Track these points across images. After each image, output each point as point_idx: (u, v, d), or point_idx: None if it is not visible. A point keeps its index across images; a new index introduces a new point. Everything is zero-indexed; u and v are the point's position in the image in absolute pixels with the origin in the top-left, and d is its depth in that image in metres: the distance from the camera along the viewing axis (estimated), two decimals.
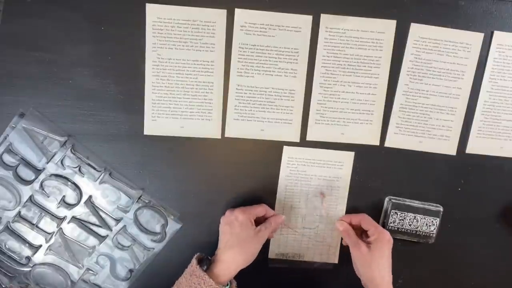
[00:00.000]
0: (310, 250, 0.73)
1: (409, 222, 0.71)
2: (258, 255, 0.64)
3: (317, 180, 0.71)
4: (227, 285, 0.62)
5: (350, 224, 0.69)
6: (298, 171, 0.71)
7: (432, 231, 0.71)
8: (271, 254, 0.73)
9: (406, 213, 0.71)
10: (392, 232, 0.69)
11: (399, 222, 0.71)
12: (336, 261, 0.73)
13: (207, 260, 0.62)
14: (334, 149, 0.71)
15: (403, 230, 0.71)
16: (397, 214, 0.70)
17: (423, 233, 0.71)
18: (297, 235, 0.72)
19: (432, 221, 0.71)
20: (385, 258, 0.64)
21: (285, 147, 0.71)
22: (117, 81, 0.68)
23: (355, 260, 0.66)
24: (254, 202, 0.69)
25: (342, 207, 0.72)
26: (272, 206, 0.71)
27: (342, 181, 0.71)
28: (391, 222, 0.71)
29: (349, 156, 0.71)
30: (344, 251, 0.71)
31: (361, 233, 0.68)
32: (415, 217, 0.71)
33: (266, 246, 0.72)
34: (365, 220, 0.67)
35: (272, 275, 0.73)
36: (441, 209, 0.71)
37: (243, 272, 0.63)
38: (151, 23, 0.67)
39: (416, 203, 0.71)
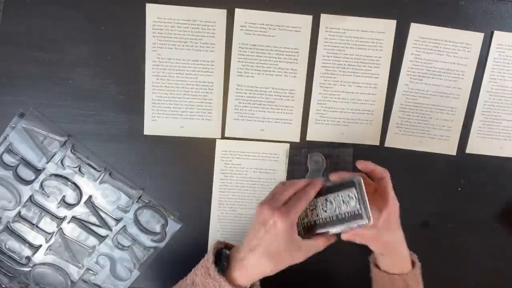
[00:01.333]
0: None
1: (322, 208, 0.52)
2: None
3: (252, 173, 0.71)
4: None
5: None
6: (232, 164, 0.70)
7: (356, 208, 0.50)
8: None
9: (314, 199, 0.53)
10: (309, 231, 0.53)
11: (311, 214, 0.53)
12: None
13: (226, 257, 0.52)
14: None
15: (320, 222, 0.52)
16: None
17: (346, 215, 0.51)
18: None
19: (349, 195, 0.51)
20: (398, 225, 0.54)
21: (217, 141, 0.70)
22: (117, 81, 0.68)
23: (390, 216, 0.52)
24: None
25: None
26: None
27: (278, 173, 0.70)
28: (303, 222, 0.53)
29: (284, 147, 0.70)
30: None
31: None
32: (326, 199, 0.52)
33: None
34: (386, 182, 0.53)
35: None
36: (355, 179, 0.51)
37: None
38: (151, 23, 0.67)
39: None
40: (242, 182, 0.71)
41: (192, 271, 0.54)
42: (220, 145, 0.70)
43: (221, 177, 0.70)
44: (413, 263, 0.59)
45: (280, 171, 0.71)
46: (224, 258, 0.52)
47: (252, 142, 0.70)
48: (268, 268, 0.50)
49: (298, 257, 0.50)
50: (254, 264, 0.50)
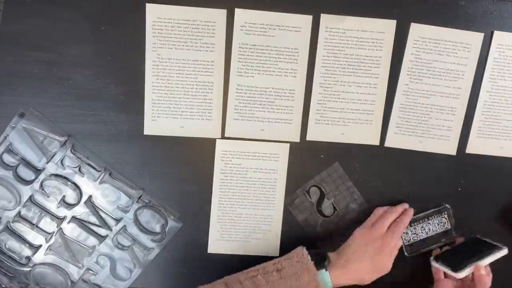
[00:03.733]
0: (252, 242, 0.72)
1: (421, 230, 0.70)
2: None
3: (252, 173, 0.71)
4: None
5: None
6: (232, 164, 0.70)
7: (447, 226, 0.70)
8: (211, 249, 0.71)
9: (414, 224, 0.70)
10: (413, 248, 0.70)
11: (412, 236, 0.70)
12: (277, 254, 0.72)
13: (324, 257, 0.62)
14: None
15: (422, 240, 0.70)
16: (407, 231, 0.70)
17: (442, 232, 0.70)
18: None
19: (441, 219, 0.71)
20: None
21: (217, 141, 0.70)
22: (117, 81, 0.68)
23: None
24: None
25: (281, 196, 0.71)
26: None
27: (278, 173, 0.71)
28: (406, 241, 0.70)
29: (285, 147, 0.70)
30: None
31: None
32: (423, 220, 0.70)
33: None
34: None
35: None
36: (445, 205, 0.71)
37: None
38: (151, 23, 0.67)
39: (420, 215, 0.70)
40: (242, 182, 0.71)
41: (271, 261, 0.61)
42: (220, 145, 0.70)
43: (221, 177, 0.70)
44: None
45: (280, 170, 0.71)
46: (320, 259, 0.61)
47: (252, 142, 0.70)
48: (369, 275, 0.63)
49: (388, 267, 0.64)
50: (357, 269, 0.62)
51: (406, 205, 0.69)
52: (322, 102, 0.70)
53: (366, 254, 0.62)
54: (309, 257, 0.60)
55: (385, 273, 0.64)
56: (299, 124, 0.71)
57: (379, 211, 0.68)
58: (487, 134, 0.72)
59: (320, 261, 0.61)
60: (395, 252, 0.65)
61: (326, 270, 0.60)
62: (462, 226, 0.73)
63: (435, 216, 0.71)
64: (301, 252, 0.62)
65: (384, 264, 0.64)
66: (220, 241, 0.71)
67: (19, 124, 0.67)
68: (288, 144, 0.70)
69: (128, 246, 0.70)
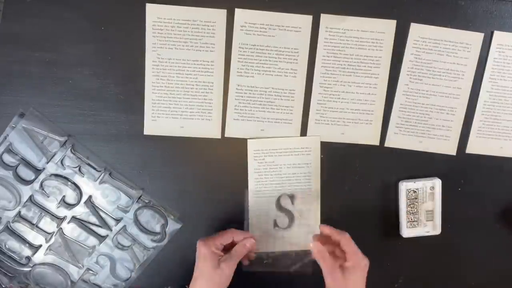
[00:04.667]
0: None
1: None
2: None
3: (286, 169, 0.71)
4: None
5: (326, 239, 0.63)
6: (266, 162, 0.70)
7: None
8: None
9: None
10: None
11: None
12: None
13: None
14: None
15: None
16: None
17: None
18: (270, 238, 0.71)
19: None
20: (359, 285, 0.60)
21: (249, 141, 0.70)
22: (117, 81, 0.68)
23: (328, 286, 0.60)
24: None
25: (316, 190, 0.71)
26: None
27: (312, 166, 0.71)
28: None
29: (316, 141, 0.71)
30: None
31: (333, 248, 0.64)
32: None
33: None
34: (345, 242, 0.61)
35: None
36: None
37: None
38: (151, 23, 0.67)
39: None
40: (277, 179, 0.71)
41: None
42: (251, 144, 0.70)
43: (255, 177, 0.70)
44: None
45: (313, 164, 0.71)
46: None
47: (283, 138, 0.70)
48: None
49: (223, 275, 0.60)
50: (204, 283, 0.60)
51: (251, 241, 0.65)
52: (322, 102, 0.70)
53: (196, 268, 0.61)
54: None
55: (222, 280, 0.61)
56: (299, 124, 0.71)
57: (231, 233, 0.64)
58: (487, 134, 0.72)
59: None
60: (211, 256, 0.61)
61: None
62: (462, 226, 0.73)
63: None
64: None
65: (209, 273, 0.60)
66: None
67: (19, 124, 0.67)
68: (319, 137, 0.70)
69: (128, 246, 0.70)
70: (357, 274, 0.59)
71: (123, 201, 0.69)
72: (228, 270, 0.61)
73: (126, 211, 0.69)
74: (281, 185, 0.71)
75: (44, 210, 0.69)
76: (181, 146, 0.70)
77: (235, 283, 0.63)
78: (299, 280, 0.72)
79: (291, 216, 0.71)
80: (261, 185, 0.71)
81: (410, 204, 0.71)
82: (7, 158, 0.68)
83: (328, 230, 0.62)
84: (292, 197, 0.71)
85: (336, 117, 0.71)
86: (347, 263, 0.60)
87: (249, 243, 0.64)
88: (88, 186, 0.69)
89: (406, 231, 0.71)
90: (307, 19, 0.68)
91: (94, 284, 0.71)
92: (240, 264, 0.65)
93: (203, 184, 0.71)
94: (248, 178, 0.71)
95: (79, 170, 0.68)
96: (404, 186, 0.71)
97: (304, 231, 0.71)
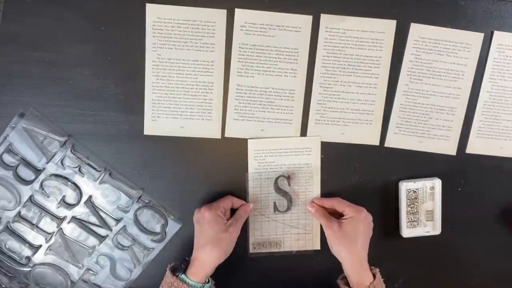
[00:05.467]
0: (287, 237, 0.72)
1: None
2: (236, 246, 0.64)
3: (286, 169, 0.71)
4: (208, 282, 0.62)
5: (323, 207, 0.69)
6: (266, 162, 0.71)
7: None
8: (250, 247, 0.71)
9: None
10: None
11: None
12: (318, 247, 0.72)
13: (184, 261, 0.63)
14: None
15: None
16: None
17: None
18: (271, 222, 0.71)
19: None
20: (358, 234, 0.63)
21: (249, 141, 0.70)
22: (117, 81, 0.68)
23: (329, 239, 0.65)
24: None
25: (317, 194, 0.71)
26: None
27: (312, 166, 0.71)
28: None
29: (316, 141, 0.71)
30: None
31: (339, 217, 0.67)
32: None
33: (245, 235, 0.70)
34: (338, 203, 0.67)
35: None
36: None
37: (223, 263, 0.63)
38: (151, 23, 0.67)
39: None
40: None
41: None
42: (252, 144, 0.70)
43: (256, 177, 0.70)
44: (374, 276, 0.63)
45: (314, 164, 0.71)
46: (182, 266, 0.62)
47: (283, 139, 0.70)
48: (216, 254, 0.61)
49: (231, 237, 0.63)
50: (204, 255, 0.61)
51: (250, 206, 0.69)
52: (322, 102, 0.70)
53: (198, 233, 0.64)
54: (168, 272, 0.61)
55: (228, 241, 0.63)
56: (299, 124, 0.71)
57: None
58: (487, 134, 0.72)
59: (177, 268, 0.62)
60: (217, 220, 0.64)
61: (182, 274, 0.61)
62: (462, 226, 0.73)
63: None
64: (166, 274, 0.62)
65: (216, 237, 0.62)
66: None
67: (19, 124, 0.67)
68: (319, 137, 0.71)
69: (128, 246, 0.70)
70: (355, 224, 0.64)
71: (123, 201, 0.69)
72: (235, 234, 0.64)
73: (126, 211, 0.69)
74: None
75: (44, 210, 0.69)
76: (181, 146, 0.70)
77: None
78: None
79: (289, 198, 0.71)
80: (258, 183, 0.71)
81: (410, 204, 0.71)
82: (7, 158, 0.68)
83: (318, 201, 0.69)
84: (291, 197, 0.71)
85: (336, 117, 0.71)
86: (345, 217, 0.65)
87: (250, 207, 0.68)
88: (88, 186, 0.69)
89: (406, 231, 0.71)
90: (307, 19, 0.68)
91: (94, 284, 0.71)
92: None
93: (203, 184, 0.71)
94: (248, 178, 0.71)
95: (79, 170, 0.68)
96: (404, 186, 0.71)
97: (302, 213, 0.72)
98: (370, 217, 0.66)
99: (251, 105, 0.70)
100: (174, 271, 0.62)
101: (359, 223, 0.64)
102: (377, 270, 0.63)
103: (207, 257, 0.61)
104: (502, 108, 0.72)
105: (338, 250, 0.64)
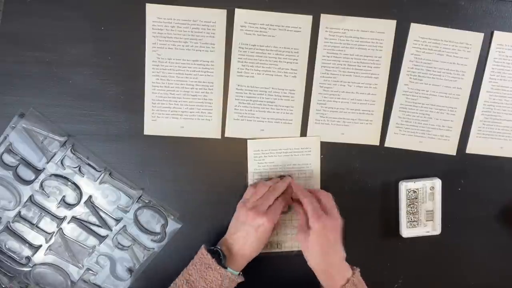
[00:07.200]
0: (287, 237, 0.72)
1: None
2: None
3: (286, 169, 0.71)
4: (239, 273, 0.65)
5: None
6: (265, 162, 0.71)
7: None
8: None
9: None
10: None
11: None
12: None
13: (218, 252, 0.63)
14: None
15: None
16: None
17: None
18: None
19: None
20: (318, 247, 0.62)
21: (249, 141, 0.70)
22: (117, 81, 0.68)
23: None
24: None
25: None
26: None
27: (312, 166, 0.71)
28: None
29: (316, 141, 0.71)
30: None
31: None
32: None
33: None
34: (307, 207, 0.64)
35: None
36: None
37: None
38: (151, 23, 0.67)
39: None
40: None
41: (180, 275, 0.63)
42: (252, 144, 0.70)
43: (256, 177, 0.70)
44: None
45: (313, 164, 0.71)
46: (218, 254, 0.63)
47: (282, 139, 0.70)
48: (256, 253, 0.65)
49: (270, 235, 0.66)
50: (248, 255, 0.65)
51: (289, 179, 0.68)
52: (322, 102, 0.70)
53: (251, 236, 0.64)
54: (209, 255, 0.62)
55: (266, 241, 0.65)
56: (299, 124, 0.71)
57: (260, 188, 0.66)
58: (487, 134, 0.72)
59: (219, 257, 0.63)
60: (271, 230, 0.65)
61: (225, 268, 0.62)
62: (462, 226, 0.73)
63: None
64: (202, 253, 0.63)
65: (262, 242, 0.65)
66: None
67: (19, 124, 0.67)
68: (319, 137, 0.71)
69: (128, 246, 0.70)
70: (313, 238, 0.63)
71: (123, 201, 0.69)
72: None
73: (126, 211, 0.69)
74: None
75: (44, 210, 0.69)
76: (181, 146, 0.70)
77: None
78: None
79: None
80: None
81: (410, 204, 0.71)
82: (7, 158, 0.68)
83: (297, 195, 0.67)
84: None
85: (336, 117, 0.71)
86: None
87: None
88: (88, 186, 0.69)
89: (406, 231, 0.71)
90: (307, 19, 0.68)
91: (94, 284, 0.71)
92: None
93: (203, 184, 0.71)
94: (248, 178, 0.71)
95: (79, 170, 0.68)
96: (404, 186, 0.71)
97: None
98: (330, 225, 0.63)
99: (251, 105, 0.70)
100: (213, 256, 0.62)
101: (318, 237, 0.62)
102: (356, 271, 0.63)
103: (250, 257, 0.65)
104: (502, 108, 0.72)
105: (306, 259, 0.65)
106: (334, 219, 0.64)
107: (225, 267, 0.62)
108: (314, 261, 0.63)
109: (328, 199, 0.66)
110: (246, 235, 0.64)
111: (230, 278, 0.62)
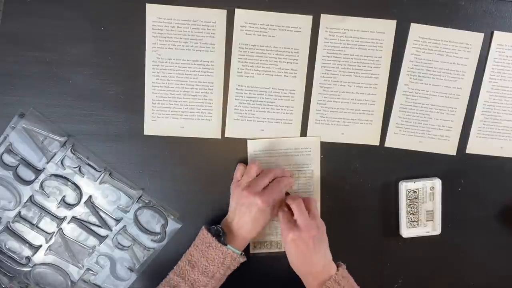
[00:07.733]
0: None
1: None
2: None
3: (286, 169, 0.70)
4: (241, 253, 0.65)
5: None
6: (266, 162, 0.70)
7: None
8: (250, 246, 0.71)
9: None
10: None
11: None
12: None
13: (219, 231, 0.64)
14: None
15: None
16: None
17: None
18: (271, 222, 0.70)
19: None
20: (295, 256, 0.63)
21: (249, 141, 0.70)
22: (117, 81, 0.68)
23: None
24: None
25: (317, 194, 0.71)
26: None
27: (312, 166, 0.71)
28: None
29: (316, 141, 0.71)
30: None
31: None
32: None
33: None
34: (296, 212, 0.64)
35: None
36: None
37: None
38: (151, 23, 0.67)
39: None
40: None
41: (183, 256, 0.65)
42: (252, 145, 0.70)
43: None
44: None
45: (314, 164, 0.71)
46: (219, 233, 0.64)
47: (282, 139, 0.70)
48: (255, 233, 0.66)
49: (270, 218, 0.66)
50: (245, 234, 0.65)
51: (287, 173, 0.69)
52: (322, 102, 0.70)
53: (246, 216, 0.64)
54: (210, 234, 0.63)
55: (263, 224, 0.65)
56: (299, 124, 0.71)
57: (252, 169, 0.66)
58: (487, 134, 0.72)
59: (220, 236, 0.64)
60: (266, 210, 0.64)
61: (226, 245, 0.63)
62: (462, 226, 0.73)
63: None
64: (203, 233, 0.64)
65: (259, 222, 0.65)
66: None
67: (19, 124, 0.67)
68: (319, 137, 0.71)
69: (128, 246, 0.70)
70: (289, 247, 0.63)
71: (123, 201, 0.69)
72: (275, 215, 0.67)
73: (126, 211, 0.69)
74: None
75: (44, 210, 0.69)
76: (181, 146, 0.70)
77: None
78: None
79: None
80: None
81: (410, 204, 0.71)
82: (7, 158, 0.68)
83: (288, 204, 0.66)
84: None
85: (336, 117, 0.71)
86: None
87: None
88: (88, 186, 0.69)
89: (406, 231, 0.71)
90: (307, 19, 0.68)
91: (94, 284, 0.71)
92: (246, 248, 0.69)
93: (203, 184, 0.71)
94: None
95: (79, 170, 0.68)
96: (404, 186, 0.71)
97: None
98: (302, 236, 0.62)
99: (251, 105, 0.70)
100: (214, 235, 0.63)
101: (292, 247, 0.63)
102: (341, 267, 0.63)
103: (248, 236, 0.65)
104: (502, 108, 0.72)
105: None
106: (312, 224, 0.63)
107: (225, 244, 0.63)
108: (295, 267, 0.64)
109: (309, 203, 0.66)
110: (242, 214, 0.65)
111: (232, 256, 0.62)
